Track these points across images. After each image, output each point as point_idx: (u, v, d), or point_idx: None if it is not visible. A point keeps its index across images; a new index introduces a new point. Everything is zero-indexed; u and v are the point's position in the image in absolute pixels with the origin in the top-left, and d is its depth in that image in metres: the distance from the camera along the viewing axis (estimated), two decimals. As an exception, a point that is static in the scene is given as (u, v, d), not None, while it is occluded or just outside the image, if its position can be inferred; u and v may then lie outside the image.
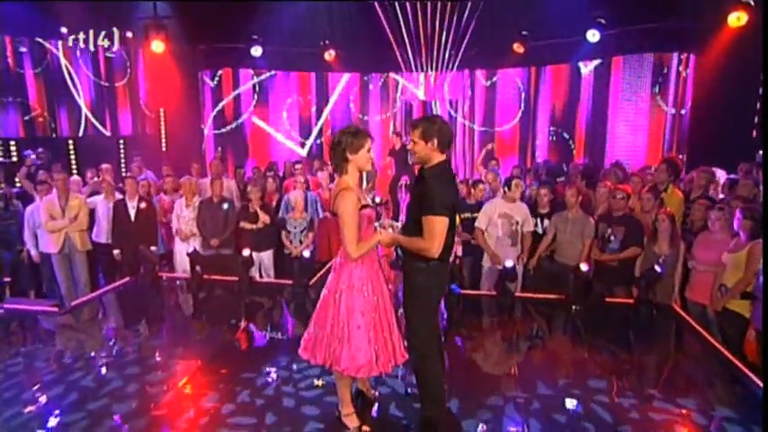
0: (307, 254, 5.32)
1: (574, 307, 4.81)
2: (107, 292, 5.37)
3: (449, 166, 2.79)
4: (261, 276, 5.84)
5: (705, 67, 8.25)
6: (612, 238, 5.05)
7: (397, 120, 11.53)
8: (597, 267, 5.06)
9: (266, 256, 5.89)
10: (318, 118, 11.44)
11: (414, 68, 10.87)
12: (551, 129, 10.60)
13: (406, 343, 2.91)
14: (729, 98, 7.92)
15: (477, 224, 5.28)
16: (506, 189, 5.22)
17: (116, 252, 5.97)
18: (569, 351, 4.10)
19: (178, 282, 5.68)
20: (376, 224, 2.83)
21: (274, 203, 6.43)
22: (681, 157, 8.83)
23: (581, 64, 9.97)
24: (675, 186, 5.56)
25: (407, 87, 11.28)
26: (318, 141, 11.50)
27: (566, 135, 10.43)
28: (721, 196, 5.78)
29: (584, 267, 4.87)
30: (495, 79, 11.04)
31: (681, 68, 8.68)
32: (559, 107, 10.43)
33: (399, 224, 2.86)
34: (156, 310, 5.05)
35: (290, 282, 5.31)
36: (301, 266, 5.30)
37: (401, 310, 2.95)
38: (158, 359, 3.85)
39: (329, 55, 10.53)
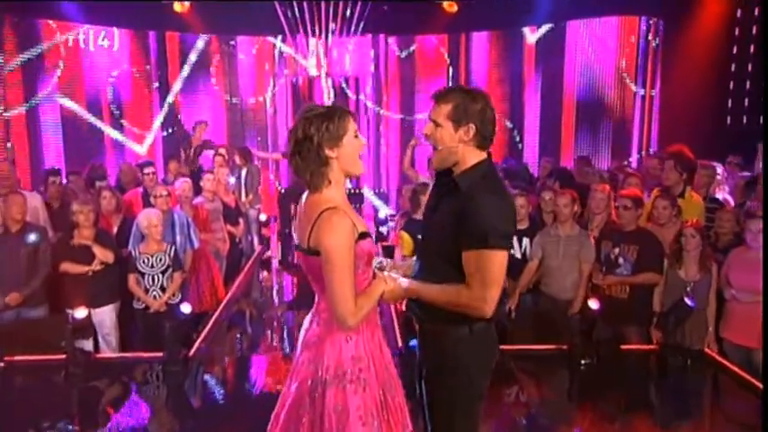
0: (186, 308, 4.73)
1: (582, 361, 4.66)
2: None
3: (494, 168, 2.50)
4: (98, 349, 5.19)
5: (678, 35, 8.80)
6: (621, 260, 5.04)
7: (277, 103, 11.21)
8: (599, 300, 4.96)
9: (107, 315, 5.31)
10: (163, 99, 10.72)
11: (301, 31, 10.63)
12: (489, 115, 10.78)
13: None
14: (707, 76, 8.49)
15: None
16: None
17: None
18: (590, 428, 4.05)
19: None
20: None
21: (115, 230, 5.84)
22: (651, 151, 9.29)
23: (526, 30, 10.28)
24: (692, 189, 5.66)
25: (292, 57, 10.98)
26: (165, 133, 10.77)
27: (509, 124, 10.68)
28: (720, 196, 6.03)
29: (593, 305, 4.76)
30: (412, 49, 11.11)
31: (650, 37, 9.21)
32: (500, 86, 10.64)
33: (412, 262, 2.37)
34: None
35: (159, 354, 4.71)
36: (175, 328, 4.72)
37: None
38: None
39: (181, 6, 10.03)
